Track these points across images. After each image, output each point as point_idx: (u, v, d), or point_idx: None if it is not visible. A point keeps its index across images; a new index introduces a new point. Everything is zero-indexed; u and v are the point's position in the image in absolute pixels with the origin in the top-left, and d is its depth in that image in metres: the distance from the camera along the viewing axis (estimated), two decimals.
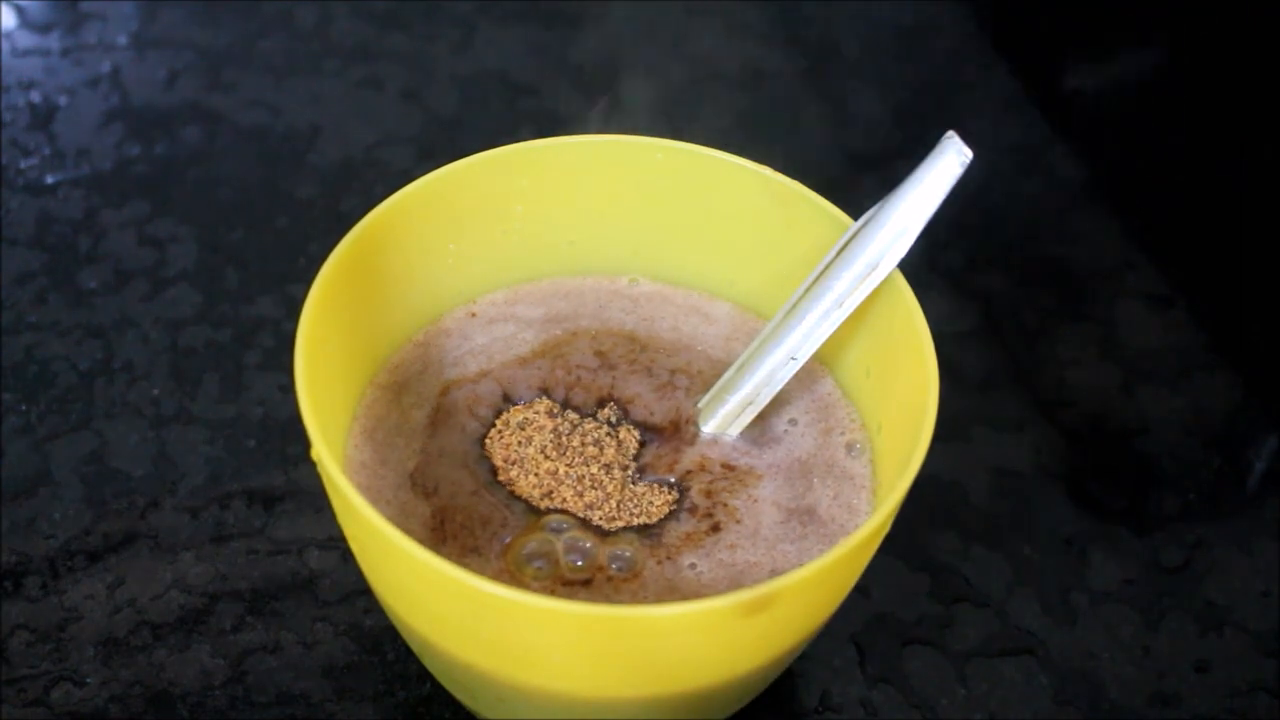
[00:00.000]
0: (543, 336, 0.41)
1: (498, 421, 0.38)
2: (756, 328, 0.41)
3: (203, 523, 0.44)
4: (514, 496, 0.37)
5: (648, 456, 0.38)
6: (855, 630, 0.43)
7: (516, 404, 0.39)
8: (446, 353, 0.40)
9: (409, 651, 0.40)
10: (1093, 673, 0.42)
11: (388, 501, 0.36)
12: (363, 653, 0.41)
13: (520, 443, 0.38)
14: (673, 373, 0.40)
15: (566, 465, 0.37)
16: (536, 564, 0.35)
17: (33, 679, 0.40)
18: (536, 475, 0.37)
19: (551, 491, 0.37)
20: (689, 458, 0.38)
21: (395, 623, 0.36)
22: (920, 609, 0.44)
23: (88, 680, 0.41)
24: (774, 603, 0.30)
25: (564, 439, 0.38)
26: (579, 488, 0.37)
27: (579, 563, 0.35)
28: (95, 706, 0.40)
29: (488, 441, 0.38)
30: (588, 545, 0.36)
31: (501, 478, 0.37)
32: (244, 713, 0.40)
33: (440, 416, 0.39)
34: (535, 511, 0.36)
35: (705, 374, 0.40)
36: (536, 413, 0.39)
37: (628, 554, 0.35)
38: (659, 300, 0.42)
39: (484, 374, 0.40)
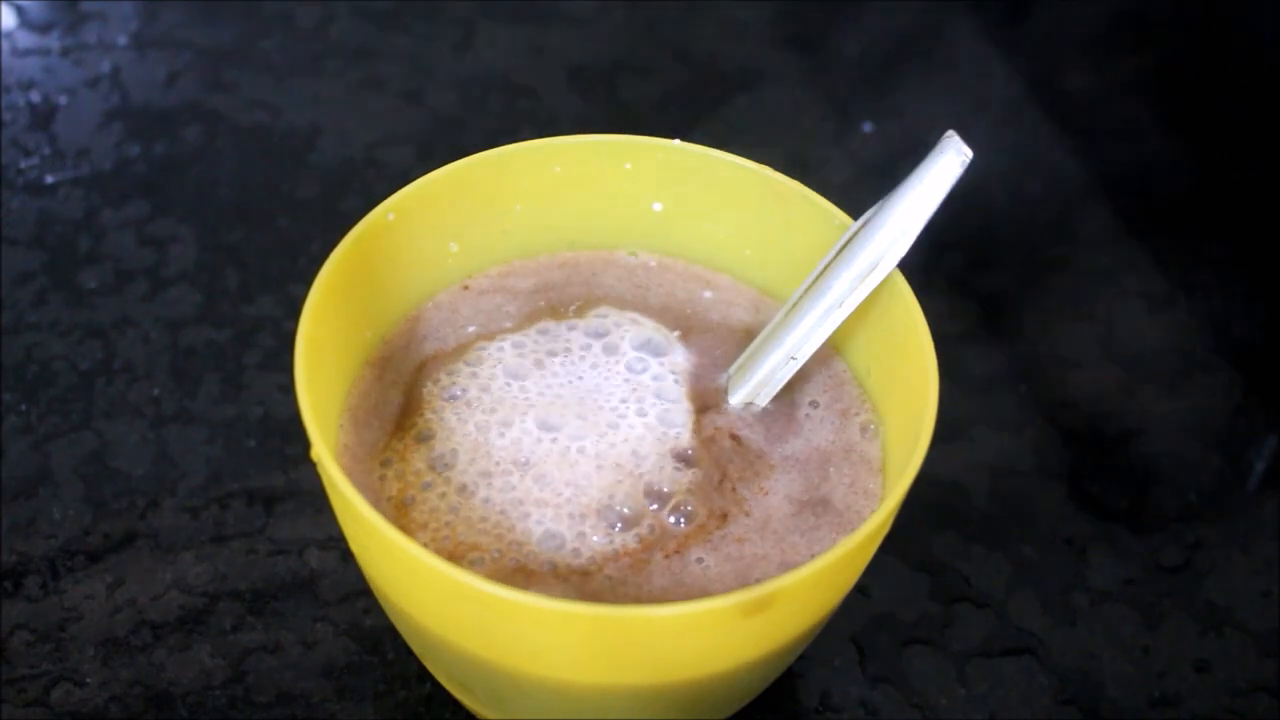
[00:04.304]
0: (527, 308, 0.40)
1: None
2: (756, 298, 0.41)
3: (203, 523, 0.44)
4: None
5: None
6: (855, 630, 0.43)
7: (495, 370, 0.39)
8: (433, 329, 0.40)
9: (409, 651, 0.40)
10: (1093, 673, 0.42)
11: (379, 476, 0.36)
12: (363, 653, 0.41)
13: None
14: (676, 334, 0.40)
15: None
16: None
17: (33, 679, 0.40)
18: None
19: None
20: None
21: (395, 621, 0.36)
22: (920, 609, 0.44)
23: (88, 680, 0.41)
24: (774, 602, 0.30)
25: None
26: None
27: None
28: (95, 706, 0.40)
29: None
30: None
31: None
32: (244, 713, 0.40)
33: (414, 393, 0.38)
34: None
35: (712, 335, 0.40)
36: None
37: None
38: (659, 269, 0.42)
39: (464, 347, 0.39)
